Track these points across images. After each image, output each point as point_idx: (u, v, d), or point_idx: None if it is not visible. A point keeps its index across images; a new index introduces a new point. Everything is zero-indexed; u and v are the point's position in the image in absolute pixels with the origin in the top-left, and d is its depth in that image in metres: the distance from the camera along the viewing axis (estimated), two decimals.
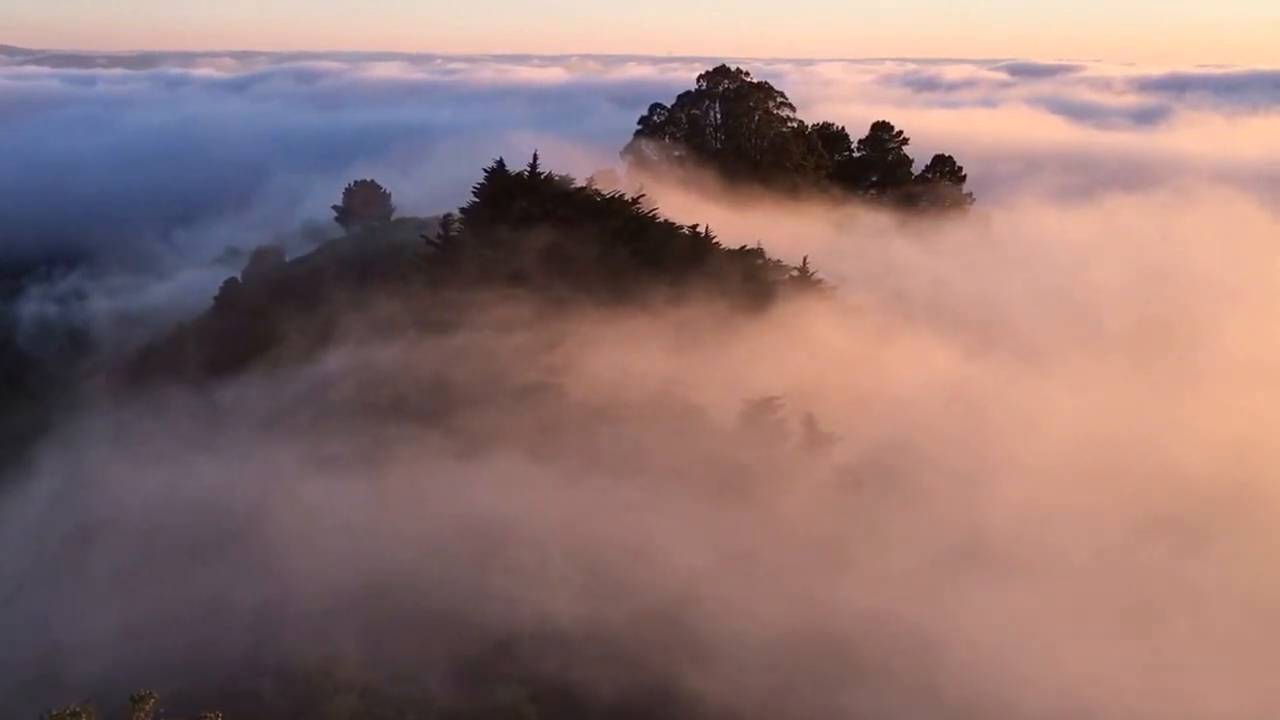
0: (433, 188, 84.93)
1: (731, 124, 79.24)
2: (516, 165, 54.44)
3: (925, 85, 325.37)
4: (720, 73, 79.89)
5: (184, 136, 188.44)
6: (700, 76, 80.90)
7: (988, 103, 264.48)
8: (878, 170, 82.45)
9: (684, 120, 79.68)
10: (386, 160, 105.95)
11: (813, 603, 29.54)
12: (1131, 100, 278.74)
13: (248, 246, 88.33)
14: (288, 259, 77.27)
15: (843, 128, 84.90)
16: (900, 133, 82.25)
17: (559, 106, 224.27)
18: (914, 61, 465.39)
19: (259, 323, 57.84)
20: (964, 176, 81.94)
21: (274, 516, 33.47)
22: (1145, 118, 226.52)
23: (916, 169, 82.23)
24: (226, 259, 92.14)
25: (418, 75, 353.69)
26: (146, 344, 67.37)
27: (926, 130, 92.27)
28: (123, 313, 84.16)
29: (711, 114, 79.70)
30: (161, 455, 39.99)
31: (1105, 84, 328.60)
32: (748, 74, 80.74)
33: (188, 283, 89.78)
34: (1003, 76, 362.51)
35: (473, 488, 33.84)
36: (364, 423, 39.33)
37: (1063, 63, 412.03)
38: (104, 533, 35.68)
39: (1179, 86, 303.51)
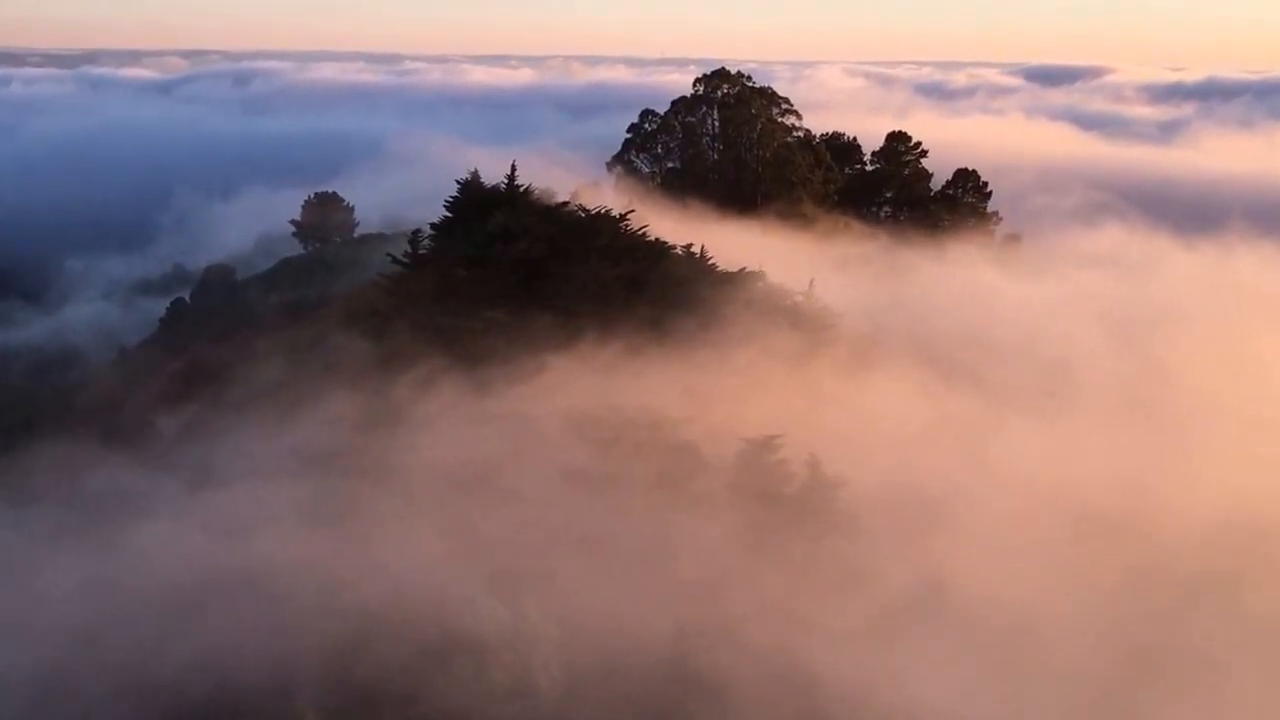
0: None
1: (730, 133, 78.11)
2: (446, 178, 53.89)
3: (936, 91, 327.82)
4: (719, 76, 78.89)
5: (92, 145, 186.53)
6: (697, 80, 79.72)
7: (1003, 111, 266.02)
8: (893, 185, 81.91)
9: (678, 129, 78.80)
10: (304, 175, 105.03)
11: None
12: (1157, 110, 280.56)
13: (136, 276, 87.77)
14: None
15: (854, 138, 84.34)
16: (918, 144, 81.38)
17: (505, 115, 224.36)
18: (928, 65, 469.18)
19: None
20: (989, 194, 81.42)
21: None
22: (1171, 129, 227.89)
23: (935, 184, 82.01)
24: (117, 292, 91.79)
25: (364, 77, 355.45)
26: None
27: (940, 141, 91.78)
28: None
29: (709, 122, 78.67)
30: None
31: (1132, 90, 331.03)
32: (749, 77, 80.00)
33: (74, 317, 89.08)
34: (1019, 82, 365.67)
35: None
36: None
37: (1089, 65, 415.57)
38: None
39: (1203, 94, 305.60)
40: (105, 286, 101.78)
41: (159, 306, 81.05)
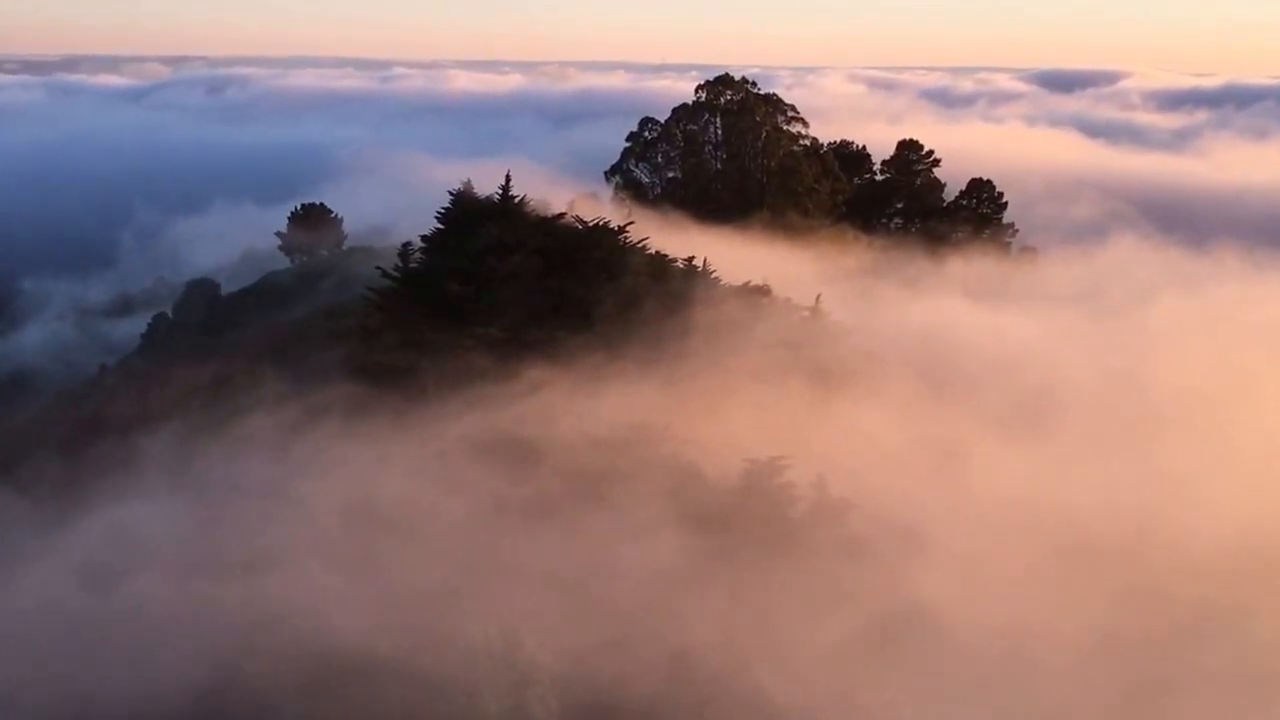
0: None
1: (734, 141, 77.92)
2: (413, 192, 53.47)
3: (940, 97, 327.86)
4: (722, 82, 78.58)
5: (52, 156, 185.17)
6: (699, 86, 79.70)
7: (1005, 119, 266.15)
8: (903, 196, 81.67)
9: (679, 137, 78.58)
10: (269, 188, 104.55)
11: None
12: (1167, 118, 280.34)
13: (94, 297, 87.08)
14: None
15: (863, 146, 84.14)
16: (930, 153, 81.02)
17: (487, 123, 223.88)
18: (938, 69, 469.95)
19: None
20: (1005, 205, 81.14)
21: None
22: (1184, 136, 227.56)
23: (948, 194, 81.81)
24: (72, 313, 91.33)
25: (344, 84, 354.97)
26: None
27: (939, 148, 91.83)
28: None
29: (711, 129, 78.50)
30: None
31: (1140, 96, 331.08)
32: (753, 83, 79.63)
33: (33, 338, 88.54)
34: (1028, 87, 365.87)
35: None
36: None
37: (1104, 69, 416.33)
38: None
39: (1217, 101, 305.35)
40: (63, 306, 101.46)
41: (120, 326, 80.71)
